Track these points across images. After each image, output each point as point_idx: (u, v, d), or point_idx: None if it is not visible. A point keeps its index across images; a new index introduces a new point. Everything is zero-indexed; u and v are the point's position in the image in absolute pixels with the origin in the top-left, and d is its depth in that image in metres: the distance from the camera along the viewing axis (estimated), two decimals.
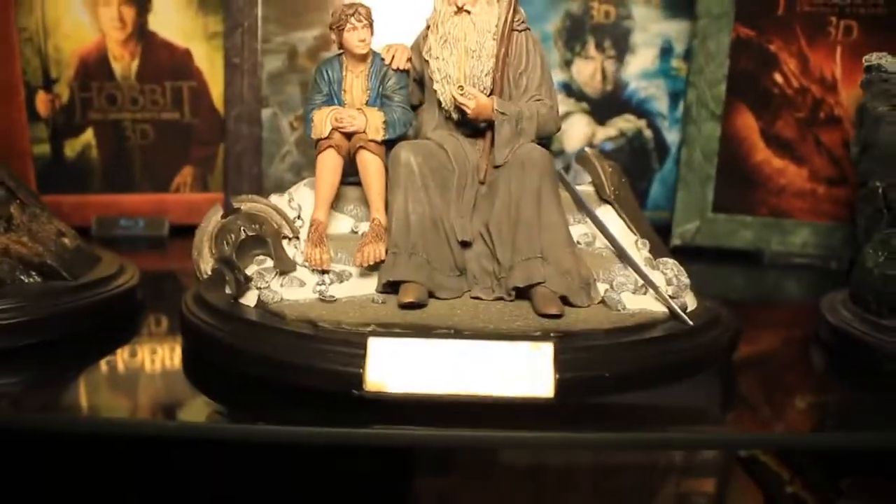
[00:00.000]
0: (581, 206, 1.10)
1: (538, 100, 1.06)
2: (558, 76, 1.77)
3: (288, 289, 1.04)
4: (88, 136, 1.68)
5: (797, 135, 1.60)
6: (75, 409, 0.95)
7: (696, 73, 1.60)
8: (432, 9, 1.08)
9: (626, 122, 1.80)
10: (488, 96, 1.04)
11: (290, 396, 0.91)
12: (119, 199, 1.70)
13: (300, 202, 1.13)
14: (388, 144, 1.07)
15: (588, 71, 1.77)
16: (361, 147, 1.05)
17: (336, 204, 1.13)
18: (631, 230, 1.13)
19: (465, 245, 1.05)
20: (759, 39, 1.58)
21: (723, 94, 1.59)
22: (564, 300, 1.01)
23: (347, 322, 0.96)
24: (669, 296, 1.04)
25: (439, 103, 1.08)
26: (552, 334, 0.93)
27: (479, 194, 1.06)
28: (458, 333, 0.92)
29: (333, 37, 1.08)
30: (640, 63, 1.78)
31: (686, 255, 1.65)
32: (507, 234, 1.02)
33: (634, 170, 1.81)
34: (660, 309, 1.02)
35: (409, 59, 1.11)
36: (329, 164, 1.06)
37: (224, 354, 0.98)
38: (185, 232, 1.67)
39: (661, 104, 1.80)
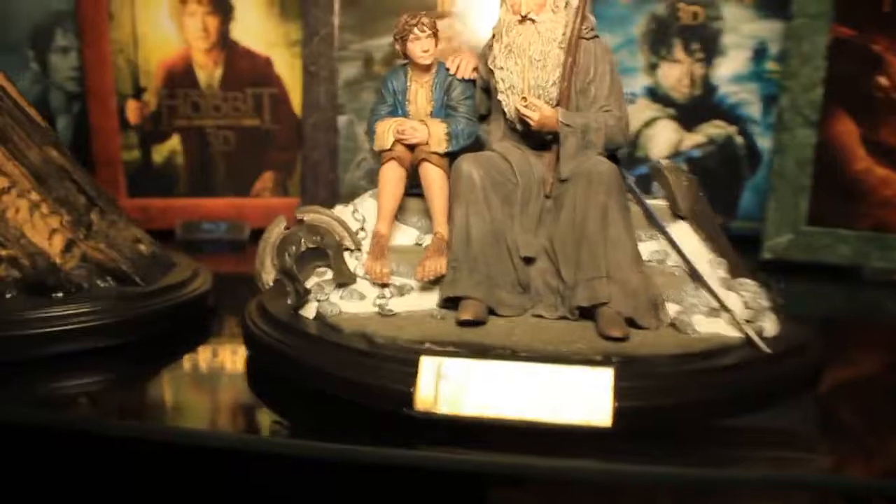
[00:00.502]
0: (652, 221, 1.05)
1: (607, 110, 1.02)
2: (643, 80, 1.70)
3: (347, 301, 1.03)
4: (174, 142, 1.73)
5: None
6: (141, 413, 0.97)
7: (790, 76, 1.50)
8: (497, 17, 1.05)
9: (715, 129, 1.71)
10: (554, 107, 1.00)
11: (343, 411, 0.90)
12: (202, 203, 1.75)
13: (365, 213, 1.12)
14: (452, 156, 1.04)
15: (675, 75, 1.70)
16: (424, 159, 1.03)
17: (400, 215, 1.11)
18: (707, 248, 1.06)
19: (529, 261, 1.02)
20: (860, 39, 1.47)
21: (819, 98, 1.49)
22: (631, 322, 0.96)
23: (402, 338, 0.94)
24: (746, 320, 0.97)
25: (504, 114, 1.05)
26: (614, 358, 0.88)
27: (545, 208, 1.02)
28: (513, 354, 0.89)
29: (397, 47, 1.07)
30: (731, 66, 1.69)
31: (777, 269, 1.56)
32: (572, 251, 0.98)
33: (725, 178, 1.72)
34: (734, 334, 0.96)
35: (476, 69, 1.08)
36: (391, 176, 1.05)
37: (283, 365, 0.98)
38: None
39: (753, 109, 1.70)
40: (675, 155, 1.71)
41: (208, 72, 1.70)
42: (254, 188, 1.74)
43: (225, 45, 1.69)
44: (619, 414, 0.83)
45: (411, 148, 1.05)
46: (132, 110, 1.72)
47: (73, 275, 1.15)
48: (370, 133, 1.07)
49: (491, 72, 1.05)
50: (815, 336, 1.04)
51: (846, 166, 1.52)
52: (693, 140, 1.72)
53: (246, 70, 1.70)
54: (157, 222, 1.74)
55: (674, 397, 0.86)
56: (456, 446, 0.84)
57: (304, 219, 1.08)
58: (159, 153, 1.74)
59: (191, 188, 1.74)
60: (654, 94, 1.70)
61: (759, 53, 1.68)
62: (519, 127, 1.03)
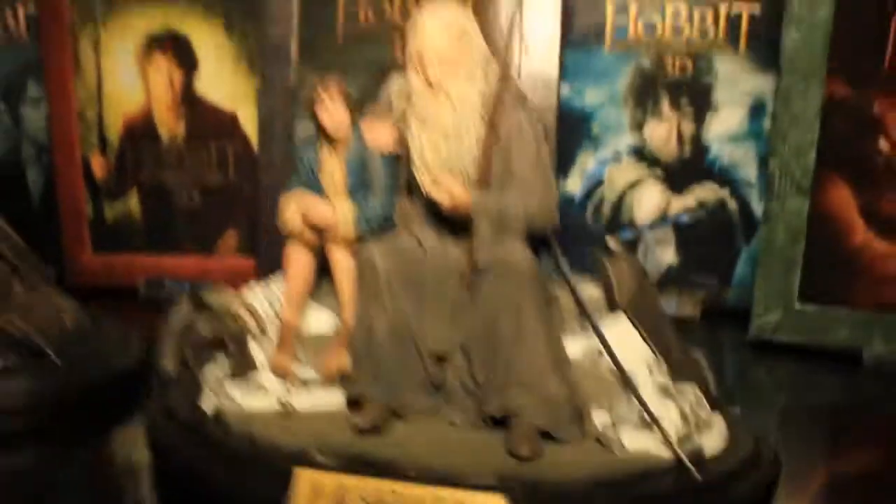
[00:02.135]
0: (584, 315, 0.93)
1: (527, 189, 0.91)
2: (628, 139, 1.59)
3: (248, 395, 0.94)
4: (137, 198, 1.68)
5: None
6: None
7: (779, 138, 1.37)
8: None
9: (706, 191, 1.58)
10: (468, 188, 0.90)
11: None
12: (166, 261, 1.69)
13: (280, 293, 1.03)
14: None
15: (662, 133, 1.58)
16: (331, 245, 0.94)
17: (320, 297, 1.02)
18: (649, 347, 0.94)
19: (444, 358, 0.91)
20: (857, 100, 1.34)
21: (811, 163, 1.35)
22: (549, 435, 0.84)
23: (286, 443, 0.84)
24: (682, 437, 0.84)
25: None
26: (514, 483, 0.77)
27: (462, 300, 0.92)
28: (399, 473, 0.78)
29: (312, 121, 0.98)
30: (724, 124, 1.56)
31: (765, 352, 1.43)
32: (485, 352, 0.88)
33: (717, 246, 1.59)
34: (666, 453, 0.83)
35: (396, 138, 0.99)
36: (297, 261, 0.96)
37: (179, 467, 0.89)
38: None
39: (748, 171, 1.57)
40: (662, 220, 1.59)
41: (170, 127, 1.65)
42: (218, 246, 1.68)
43: (189, 99, 1.64)
44: None
45: (319, 232, 0.95)
46: (97, 165, 1.67)
47: None
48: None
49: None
50: (768, 449, 0.90)
51: (842, 239, 1.38)
52: (681, 204, 1.59)
53: (210, 125, 1.64)
54: (122, 279, 1.69)
55: None
56: None
57: (208, 302, 1.00)
58: (121, 209, 1.69)
59: (154, 245, 1.69)
60: (640, 154, 1.58)
61: (756, 110, 1.55)
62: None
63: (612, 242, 1.01)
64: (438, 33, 0.88)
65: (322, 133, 0.97)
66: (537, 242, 0.94)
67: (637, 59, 1.56)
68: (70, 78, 1.63)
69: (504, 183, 0.91)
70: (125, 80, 1.64)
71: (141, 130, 1.65)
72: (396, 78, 0.97)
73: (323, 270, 0.99)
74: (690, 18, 1.53)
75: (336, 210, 0.94)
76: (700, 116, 1.57)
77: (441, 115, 0.89)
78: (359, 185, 0.97)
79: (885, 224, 1.35)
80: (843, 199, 1.37)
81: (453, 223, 0.94)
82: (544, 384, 0.85)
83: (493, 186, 0.91)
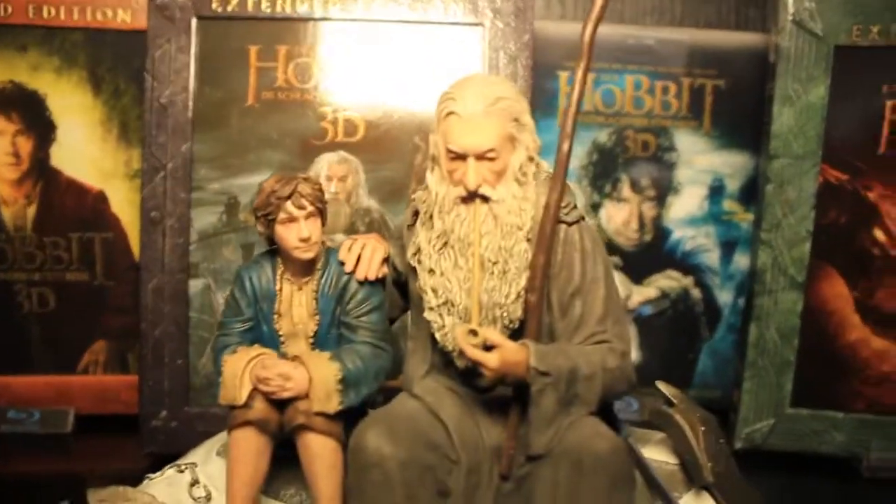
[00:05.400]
0: (664, 499, 0.69)
1: (600, 340, 0.66)
2: None
3: None
4: None
5: None
6: None
7: (771, 229, 1.22)
8: (424, 185, 0.69)
9: (669, 280, 1.41)
10: (517, 339, 0.64)
11: None
12: (8, 383, 1.31)
13: (209, 484, 0.72)
14: (349, 413, 0.67)
15: (621, 217, 1.40)
16: (303, 426, 0.65)
17: (270, 485, 0.72)
18: None
19: None
20: (853, 185, 1.22)
21: (806, 255, 1.22)
22: None
23: None
24: None
25: (433, 337, 0.68)
26: None
27: (501, 493, 0.65)
28: None
29: (260, 228, 0.70)
30: (684, 206, 1.41)
31: (757, 461, 1.26)
32: None
33: (681, 340, 1.42)
34: None
35: (386, 259, 0.72)
36: (247, 450, 0.66)
37: None
38: (95, 426, 1.30)
39: (711, 257, 1.42)
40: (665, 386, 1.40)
41: (17, 210, 1.28)
42: (81, 362, 1.32)
43: (42, 174, 1.28)
44: None
45: (280, 403, 0.66)
46: None
47: None
48: (216, 368, 0.69)
49: (412, 268, 0.69)
50: None
51: (836, 337, 1.25)
52: (643, 295, 1.41)
53: (71, 208, 1.29)
54: None
55: None
56: None
57: None
58: None
59: None
60: None
61: (716, 191, 1.41)
62: (459, 363, 0.67)
63: (665, 388, 0.79)
64: (485, 123, 0.63)
65: (281, 251, 0.68)
66: None
67: (594, 132, 1.38)
68: None
69: (556, 329, 0.66)
70: None
71: None
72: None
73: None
74: (652, 90, 1.37)
75: (309, 372, 0.65)
76: (661, 198, 1.40)
77: (482, 235, 0.63)
78: (329, 328, 0.69)
79: (882, 320, 1.23)
80: (838, 293, 1.23)
81: (478, 379, 0.68)
82: None
83: (543, 336, 0.66)
